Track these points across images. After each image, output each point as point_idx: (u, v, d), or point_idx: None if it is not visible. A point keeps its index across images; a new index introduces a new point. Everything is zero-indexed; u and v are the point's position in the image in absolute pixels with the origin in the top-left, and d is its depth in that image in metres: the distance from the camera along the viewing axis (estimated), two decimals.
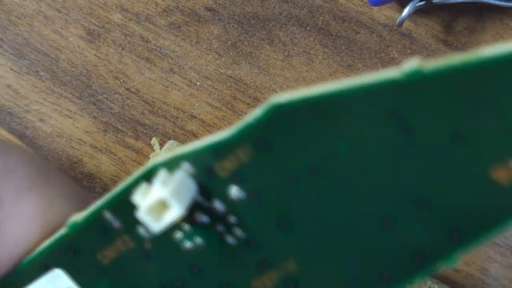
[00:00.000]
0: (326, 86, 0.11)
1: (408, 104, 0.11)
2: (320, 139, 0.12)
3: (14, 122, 0.25)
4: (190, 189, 0.13)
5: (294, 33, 0.25)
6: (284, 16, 0.24)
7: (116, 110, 0.25)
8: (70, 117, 0.25)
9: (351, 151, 0.11)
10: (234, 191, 0.12)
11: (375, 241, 0.12)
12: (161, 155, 0.24)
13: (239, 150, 0.12)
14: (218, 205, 0.13)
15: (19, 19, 0.25)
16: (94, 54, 0.25)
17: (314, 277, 0.12)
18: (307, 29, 0.24)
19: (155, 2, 0.25)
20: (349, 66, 0.25)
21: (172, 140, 0.25)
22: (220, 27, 0.25)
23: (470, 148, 0.11)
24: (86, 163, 0.25)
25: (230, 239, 0.13)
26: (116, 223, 0.14)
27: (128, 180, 0.13)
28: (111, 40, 0.25)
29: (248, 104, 0.25)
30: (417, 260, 0.11)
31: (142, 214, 0.12)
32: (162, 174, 0.13)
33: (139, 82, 0.25)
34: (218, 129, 0.25)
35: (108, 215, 0.14)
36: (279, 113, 0.12)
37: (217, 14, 0.25)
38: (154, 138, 0.25)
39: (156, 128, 0.25)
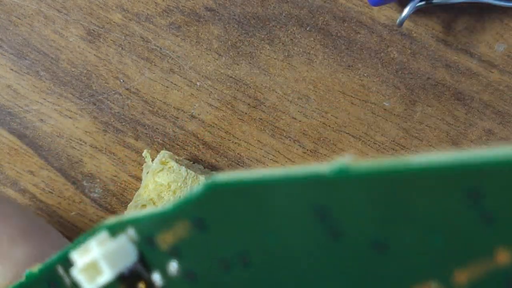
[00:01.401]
0: (262, 171, 0.11)
1: (333, 202, 0.10)
2: (250, 226, 0.11)
3: (14, 122, 0.25)
4: (128, 256, 0.12)
5: (294, 33, 0.25)
6: (284, 16, 0.24)
7: (116, 110, 0.25)
8: (70, 117, 0.25)
9: (278, 244, 0.11)
10: (172, 267, 0.12)
11: None
12: (152, 166, 0.24)
13: (179, 225, 0.12)
14: (157, 278, 0.12)
15: (19, 19, 0.25)
16: (94, 54, 0.25)
17: None
18: (307, 29, 0.24)
19: (155, 2, 0.25)
20: (349, 66, 0.25)
21: (164, 151, 0.24)
22: (220, 27, 0.25)
23: (392, 261, 0.10)
24: (86, 163, 0.25)
25: None
26: (67, 280, 0.13)
27: (80, 237, 0.13)
28: (111, 40, 0.25)
29: (248, 104, 0.25)
30: None
31: (76, 272, 0.12)
32: (102, 235, 0.12)
33: (139, 82, 0.25)
34: (218, 129, 0.25)
35: (60, 270, 0.13)
36: (215, 192, 0.11)
37: (217, 14, 0.25)
38: (145, 151, 0.25)
39: (156, 128, 0.25)
